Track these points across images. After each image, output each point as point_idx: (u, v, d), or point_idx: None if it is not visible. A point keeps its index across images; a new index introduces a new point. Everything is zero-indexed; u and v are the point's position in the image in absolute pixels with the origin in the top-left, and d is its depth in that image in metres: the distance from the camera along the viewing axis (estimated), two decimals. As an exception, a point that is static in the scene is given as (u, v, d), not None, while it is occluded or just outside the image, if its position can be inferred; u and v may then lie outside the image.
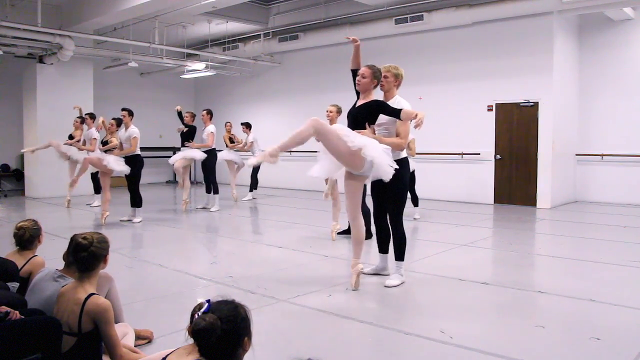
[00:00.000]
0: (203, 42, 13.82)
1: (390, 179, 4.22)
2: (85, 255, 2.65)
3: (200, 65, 13.30)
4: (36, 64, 11.36)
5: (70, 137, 9.85)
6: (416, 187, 8.22)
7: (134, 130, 7.87)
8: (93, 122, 9.52)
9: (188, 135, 9.19)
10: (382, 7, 10.78)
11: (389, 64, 4.57)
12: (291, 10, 12.49)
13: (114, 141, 7.97)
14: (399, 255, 4.56)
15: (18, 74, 11.96)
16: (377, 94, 4.47)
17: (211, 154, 9.30)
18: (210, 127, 9.27)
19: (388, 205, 4.54)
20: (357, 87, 4.42)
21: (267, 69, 13.98)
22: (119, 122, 8.07)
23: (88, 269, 2.67)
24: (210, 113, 9.47)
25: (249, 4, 12.00)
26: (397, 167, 4.19)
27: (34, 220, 3.49)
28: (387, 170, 4.11)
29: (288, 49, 12.87)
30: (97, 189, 9.83)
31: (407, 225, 7.74)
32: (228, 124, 10.93)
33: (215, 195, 9.40)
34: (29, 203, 10.81)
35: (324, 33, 11.79)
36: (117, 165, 7.69)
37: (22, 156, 12.35)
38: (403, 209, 4.58)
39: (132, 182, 7.99)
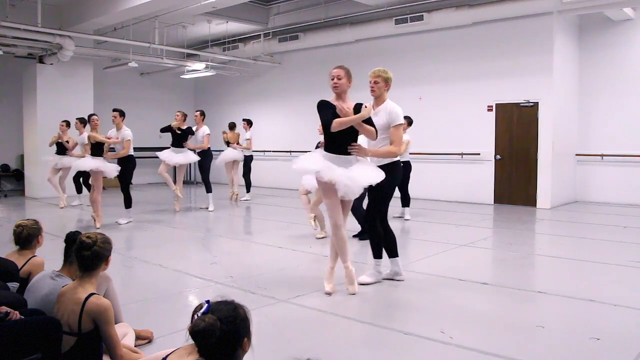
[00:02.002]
0: (203, 42, 13.82)
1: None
2: (89, 254, 2.66)
3: (200, 66, 13.30)
4: (36, 64, 11.35)
5: (61, 145, 9.74)
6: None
7: (127, 132, 7.75)
8: (84, 127, 9.47)
9: (182, 137, 9.12)
10: (382, 7, 10.78)
11: (377, 67, 4.46)
12: (291, 10, 12.49)
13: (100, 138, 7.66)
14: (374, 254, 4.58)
15: (18, 74, 11.95)
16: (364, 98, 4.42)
17: (207, 154, 9.35)
18: (205, 129, 9.30)
19: (368, 202, 4.50)
20: (335, 90, 4.26)
21: (267, 69, 13.98)
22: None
23: (90, 268, 2.68)
24: (203, 114, 9.47)
25: (249, 4, 11.99)
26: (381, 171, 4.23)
27: (34, 220, 3.50)
28: (373, 179, 4.14)
29: (288, 49, 12.87)
30: (79, 189, 10.07)
31: (404, 225, 7.80)
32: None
33: (209, 194, 9.43)
34: (29, 203, 10.80)
35: (324, 33, 11.80)
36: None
37: (22, 156, 12.35)
38: (381, 210, 4.51)
39: (123, 182, 7.91)
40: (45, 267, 3.34)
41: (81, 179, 10.07)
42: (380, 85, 4.38)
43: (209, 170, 9.53)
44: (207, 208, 9.49)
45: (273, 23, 12.85)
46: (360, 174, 4.12)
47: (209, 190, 9.43)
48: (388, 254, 4.63)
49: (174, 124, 9.01)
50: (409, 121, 8.10)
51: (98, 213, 7.59)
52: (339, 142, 4.16)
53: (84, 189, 10.10)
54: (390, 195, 4.52)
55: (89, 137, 7.82)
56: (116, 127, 7.83)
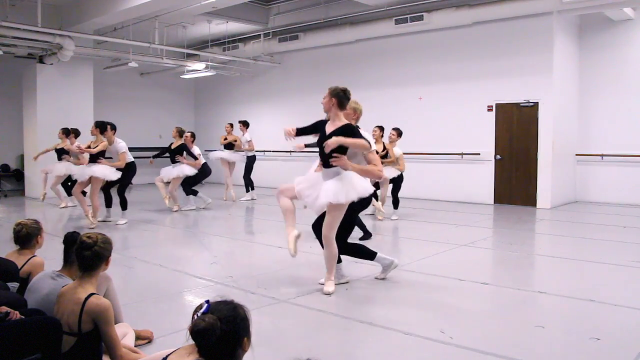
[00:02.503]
0: (203, 42, 13.82)
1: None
2: (89, 254, 2.66)
3: (200, 66, 13.29)
4: (36, 64, 11.34)
5: (62, 151, 9.66)
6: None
7: (121, 145, 7.83)
8: (75, 137, 9.50)
9: (177, 151, 9.32)
10: (382, 7, 10.78)
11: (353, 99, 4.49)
12: (291, 10, 12.48)
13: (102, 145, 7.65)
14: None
15: (18, 74, 11.95)
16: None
17: (201, 170, 9.53)
18: (195, 149, 9.58)
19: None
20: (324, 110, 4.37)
21: (267, 69, 13.98)
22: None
23: (90, 269, 2.68)
24: (193, 136, 9.79)
25: (249, 4, 11.99)
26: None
27: (35, 220, 3.50)
28: (364, 192, 4.16)
29: (288, 49, 12.87)
30: (69, 192, 10.00)
31: (397, 225, 7.79)
32: (228, 125, 10.98)
33: (189, 196, 9.58)
34: (29, 203, 10.80)
35: (324, 33, 11.79)
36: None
37: (22, 156, 12.35)
38: (349, 230, 4.53)
39: (121, 186, 8.01)
40: (45, 267, 3.34)
41: (69, 183, 10.00)
42: (348, 113, 4.45)
43: (197, 183, 9.65)
44: (204, 208, 9.52)
45: (273, 23, 12.85)
46: (325, 193, 4.07)
47: (188, 193, 9.56)
48: (368, 259, 4.61)
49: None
50: (398, 132, 8.15)
51: (85, 209, 7.69)
52: (322, 156, 4.25)
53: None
54: (356, 217, 4.63)
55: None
56: (107, 140, 7.80)
